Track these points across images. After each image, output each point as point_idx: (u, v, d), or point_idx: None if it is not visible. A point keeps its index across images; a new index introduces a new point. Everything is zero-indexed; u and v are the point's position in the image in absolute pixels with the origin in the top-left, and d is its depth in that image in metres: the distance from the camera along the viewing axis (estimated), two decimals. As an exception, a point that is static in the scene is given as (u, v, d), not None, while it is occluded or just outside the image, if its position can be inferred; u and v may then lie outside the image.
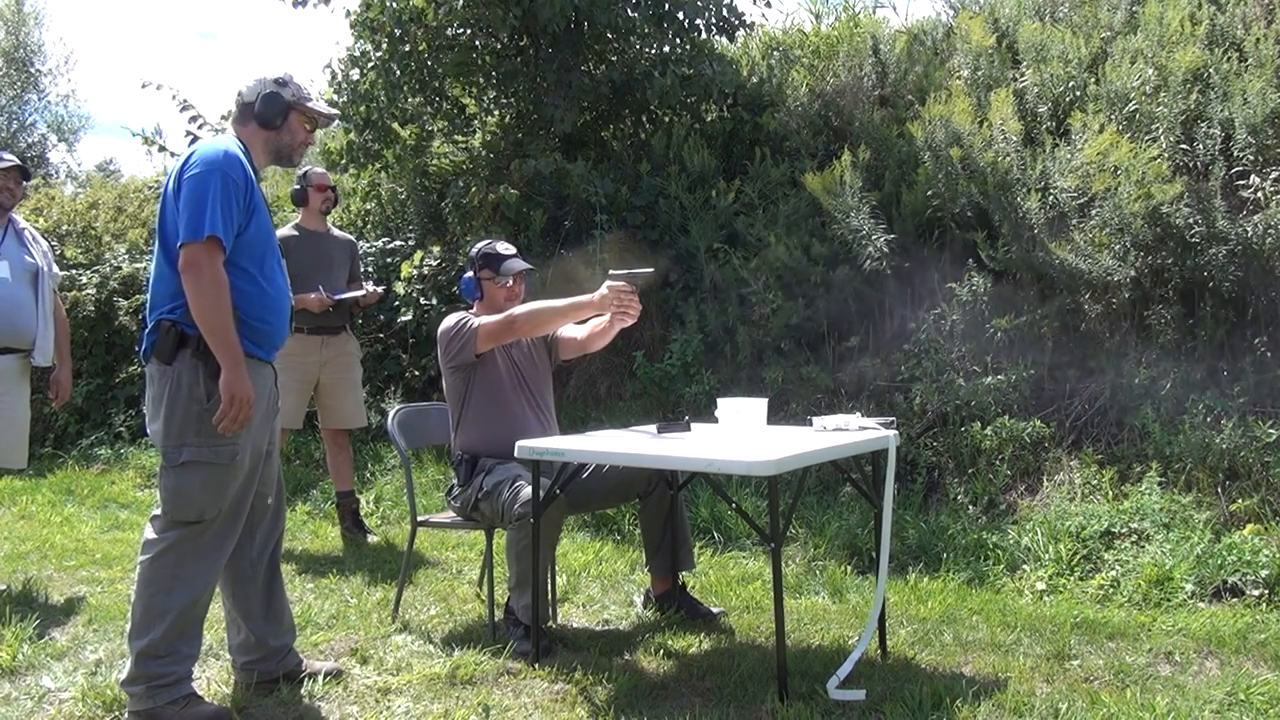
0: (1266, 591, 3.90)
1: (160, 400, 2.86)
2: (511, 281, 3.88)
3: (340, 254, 5.37)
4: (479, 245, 3.98)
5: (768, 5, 14.04)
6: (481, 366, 3.75)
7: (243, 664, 3.15)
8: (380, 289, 5.44)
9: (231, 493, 2.90)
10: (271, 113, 3.03)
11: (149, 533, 2.89)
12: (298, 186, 5.30)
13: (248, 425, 2.84)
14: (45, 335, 4.38)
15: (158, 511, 2.89)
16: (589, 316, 3.73)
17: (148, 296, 3.00)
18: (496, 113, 7.52)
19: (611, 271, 3.65)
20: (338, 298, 5.14)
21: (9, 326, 4.27)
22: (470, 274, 3.94)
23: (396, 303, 6.88)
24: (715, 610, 3.93)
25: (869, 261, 5.55)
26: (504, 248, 3.93)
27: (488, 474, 3.62)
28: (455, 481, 3.80)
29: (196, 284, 2.76)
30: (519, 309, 3.71)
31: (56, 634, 3.75)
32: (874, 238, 5.55)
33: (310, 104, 3.10)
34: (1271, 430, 4.51)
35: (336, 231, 5.54)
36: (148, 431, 2.96)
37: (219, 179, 2.79)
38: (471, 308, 3.97)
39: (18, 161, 4.44)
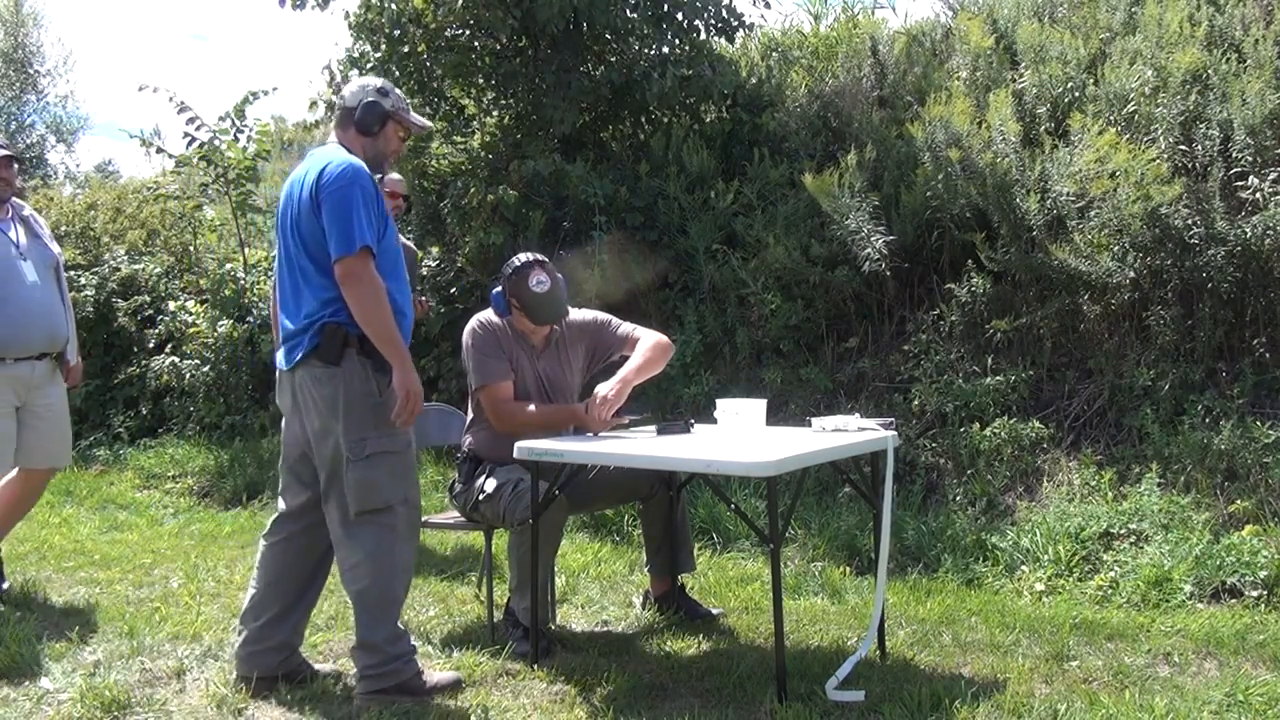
0: (1265, 592, 3.90)
1: (335, 400, 2.98)
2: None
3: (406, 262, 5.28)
4: (513, 265, 3.65)
5: (767, 6, 14.09)
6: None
7: (248, 654, 3.16)
8: (429, 302, 5.32)
9: (414, 477, 3.10)
10: (370, 119, 3.12)
11: (348, 536, 3.00)
12: None
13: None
14: (74, 334, 4.35)
15: (340, 514, 3.00)
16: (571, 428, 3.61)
17: (278, 303, 3.12)
18: (495, 114, 7.52)
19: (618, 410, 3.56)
20: None
21: (48, 332, 4.18)
22: (500, 290, 3.69)
23: (395, 303, 6.88)
24: (714, 611, 3.93)
25: (868, 262, 5.55)
26: (537, 284, 3.57)
27: (489, 476, 3.61)
28: (456, 478, 3.77)
29: (359, 293, 2.90)
30: (505, 413, 3.59)
31: (55, 635, 3.75)
32: (873, 239, 5.54)
33: (406, 114, 3.20)
34: (1270, 431, 4.51)
35: (403, 239, 5.44)
36: (310, 431, 3.04)
37: (358, 191, 2.93)
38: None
39: (5, 147, 4.24)
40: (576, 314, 3.86)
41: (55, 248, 4.40)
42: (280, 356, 3.16)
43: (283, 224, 3.10)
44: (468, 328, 3.74)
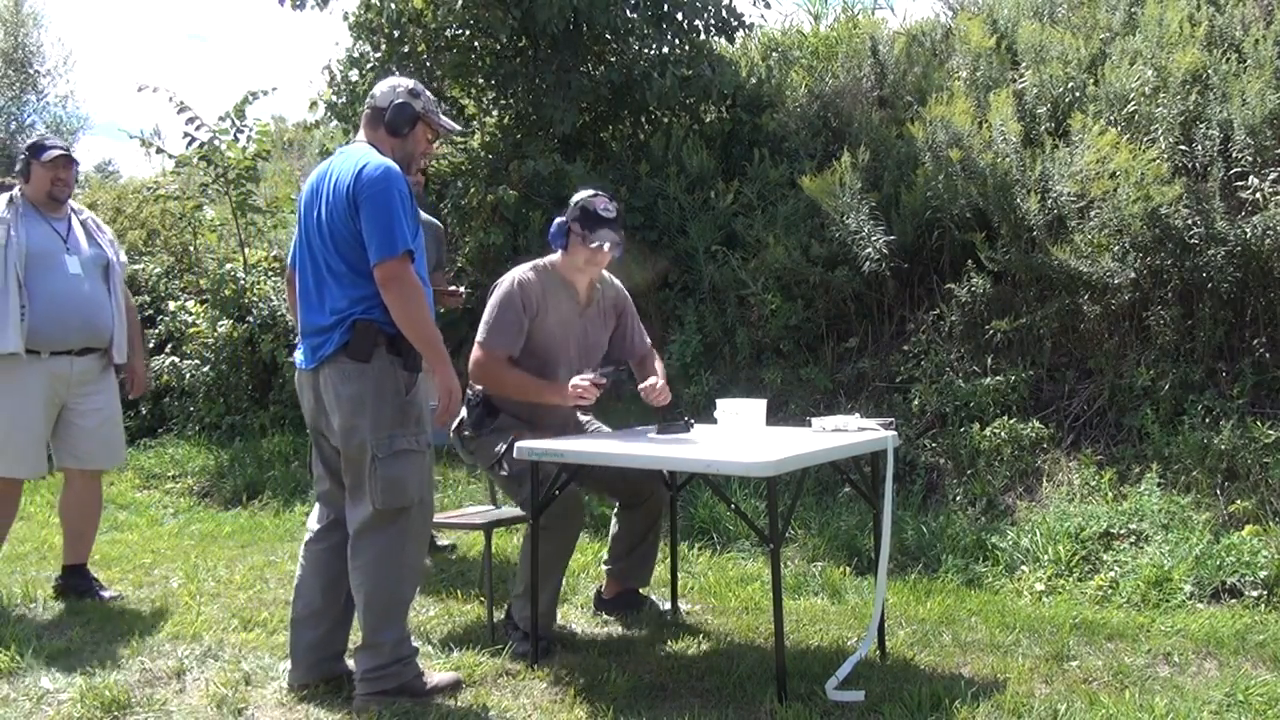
0: (1265, 592, 3.90)
1: (363, 397, 2.97)
2: (597, 245, 3.56)
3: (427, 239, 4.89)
4: (581, 194, 3.63)
5: (767, 6, 14.07)
6: (543, 320, 3.59)
7: (316, 660, 3.17)
8: (462, 291, 5.09)
9: (430, 478, 3.12)
10: (400, 121, 3.12)
11: (363, 533, 3.00)
12: None
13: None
14: (121, 331, 4.24)
15: (362, 512, 2.99)
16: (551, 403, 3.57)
17: (299, 299, 3.10)
18: (495, 113, 7.53)
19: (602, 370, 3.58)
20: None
21: (88, 326, 4.11)
22: (562, 220, 3.60)
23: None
24: (665, 606, 3.96)
25: (868, 263, 5.55)
26: (604, 209, 3.56)
27: (510, 450, 3.40)
28: (465, 419, 3.59)
29: (401, 296, 2.91)
30: (490, 374, 3.51)
31: (55, 635, 3.75)
32: (873, 239, 5.55)
33: (436, 117, 3.20)
34: (1270, 431, 4.51)
35: (426, 216, 4.84)
36: (335, 427, 3.02)
37: (395, 194, 2.94)
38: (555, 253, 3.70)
39: (63, 149, 4.16)
40: (615, 280, 3.90)
41: (114, 253, 4.30)
42: (302, 355, 3.11)
43: (307, 221, 3.07)
44: (507, 282, 3.59)
